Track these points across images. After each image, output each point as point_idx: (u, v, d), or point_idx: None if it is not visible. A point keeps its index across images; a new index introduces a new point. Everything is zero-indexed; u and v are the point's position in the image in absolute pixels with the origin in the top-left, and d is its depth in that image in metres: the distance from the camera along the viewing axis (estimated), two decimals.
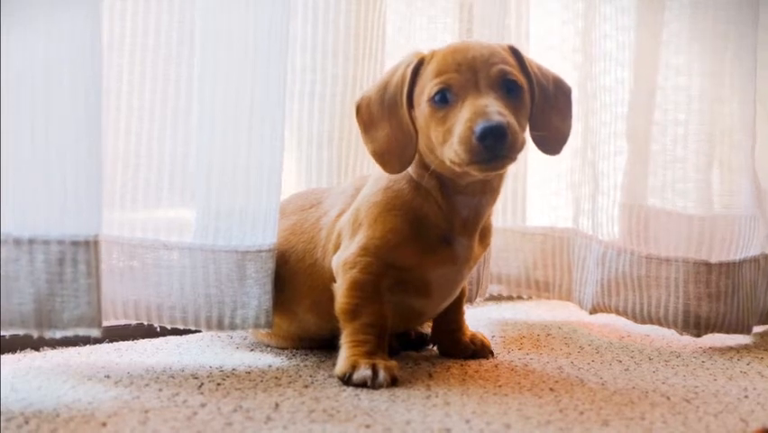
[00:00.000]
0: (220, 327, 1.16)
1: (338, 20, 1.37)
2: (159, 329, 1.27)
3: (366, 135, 1.13)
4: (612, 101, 1.47)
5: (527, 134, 1.10)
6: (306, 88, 1.38)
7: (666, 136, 1.44)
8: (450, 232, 1.12)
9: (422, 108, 1.08)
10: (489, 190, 1.13)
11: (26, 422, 0.88)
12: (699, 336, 1.40)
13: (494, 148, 1.00)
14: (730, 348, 1.37)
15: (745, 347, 1.39)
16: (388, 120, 1.11)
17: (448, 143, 1.03)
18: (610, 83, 1.47)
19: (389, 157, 1.11)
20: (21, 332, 1.00)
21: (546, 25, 1.64)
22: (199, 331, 1.31)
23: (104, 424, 0.88)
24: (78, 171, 1.00)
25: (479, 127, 0.99)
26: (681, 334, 1.41)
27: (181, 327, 1.17)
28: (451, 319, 1.25)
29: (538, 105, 1.11)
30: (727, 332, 1.40)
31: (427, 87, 1.07)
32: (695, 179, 1.43)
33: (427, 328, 1.32)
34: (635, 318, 1.44)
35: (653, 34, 1.44)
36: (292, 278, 1.19)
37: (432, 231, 1.11)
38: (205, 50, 1.15)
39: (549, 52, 1.64)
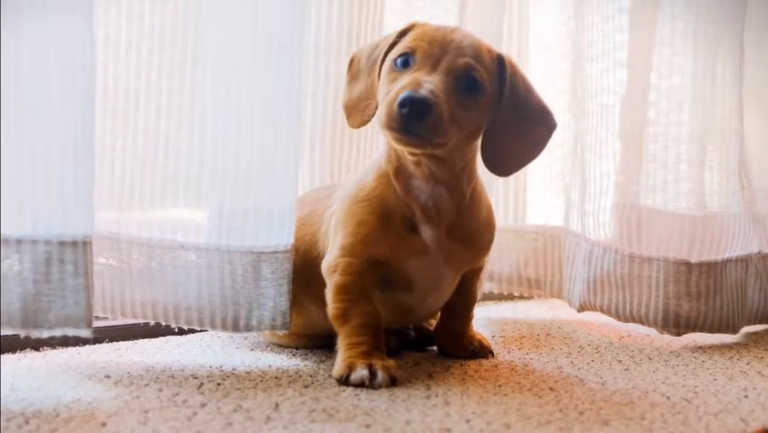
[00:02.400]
0: (236, 328, 1.16)
1: (331, 18, 1.37)
2: (159, 329, 1.27)
3: (347, 87, 1.16)
4: (604, 102, 1.47)
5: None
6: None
7: (653, 136, 1.45)
8: (413, 218, 1.11)
9: (385, 66, 1.09)
10: (440, 182, 1.11)
11: (26, 422, 0.88)
12: (678, 335, 1.41)
13: (408, 120, 1.00)
14: (730, 348, 1.37)
15: (745, 347, 1.39)
16: (367, 76, 1.13)
17: (383, 104, 1.05)
18: (603, 84, 1.47)
19: (354, 111, 1.14)
20: (7, 332, 1.00)
21: (546, 25, 1.64)
22: (205, 331, 1.31)
23: (104, 424, 0.88)
24: (66, 172, 0.99)
25: (402, 95, 1.00)
26: (662, 333, 1.42)
27: (198, 328, 1.18)
28: (456, 324, 1.24)
29: (501, 122, 1.10)
30: (710, 331, 1.41)
31: (397, 48, 1.09)
32: (678, 179, 1.44)
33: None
34: (618, 317, 1.45)
35: (646, 35, 1.45)
36: (301, 268, 1.19)
37: (396, 217, 1.11)
38: (220, 48, 1.15)
39: (548, 53, 1.64)
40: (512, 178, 1.62)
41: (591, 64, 1.48)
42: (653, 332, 1.47)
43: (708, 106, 1.43)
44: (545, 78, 1.64)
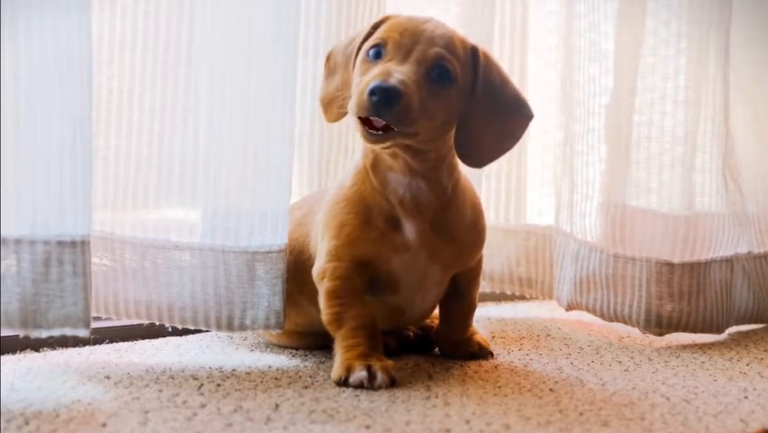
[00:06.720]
0: (230, 327, 1.16)
1: (319, 19, 1.37)
2: (159, 330, 1.27)
3: (324, 82, 1.17)
4: (594, 104, 1.47)
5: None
6: None
7: (639, 137, 1.45)
8: (394, 213, 1.11)
9: (359, 58, 1.09)
10: (418, 174, 1.11)
11: (26, 423, 0.88)
12: (661, 334, 1.42)
13: (378, 108, 1.00)
14: (730, 349, 1.37)
15: (745, 348, 1.39)
16: (343, 70, 1.13)
17: (354, 94, 1.05)
18: (594, 87, 1.47)
19: (330, 105, 1.14)
20: (6, 332, 1.01)
21: (545, 26, 1.65)
22: (201, 331, 1.31)
23: (104, 424, 0.88)
24: (65, 172, 1.00)
25: (372, 83, 1.00)
26: (644, 333, 1.42)
27: (192, 328, 1.18)
28: (455, 330, 1.24)
29: (475, 112, 1.10)
30: (693, 331, 1.42)
31: (370, 40, 1.09)
32: (663, 180, 1.45)
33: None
34: (602, 316, 1.45)
35: (633, 38, 1.45)
36: (294, 269, 1.19)
37: (376, 214, 1.11)
38: (214, 49, 1.15)
39: (547, 53, 1.64)
40: (506, 176, 1.62)
41: (583, 67, 1.48)
42: None
43: (694, 108, 1.44)
44: (544, 77, 1.64)
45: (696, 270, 1.42)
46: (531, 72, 1.63)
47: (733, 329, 1.51)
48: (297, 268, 1.19)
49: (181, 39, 1.17)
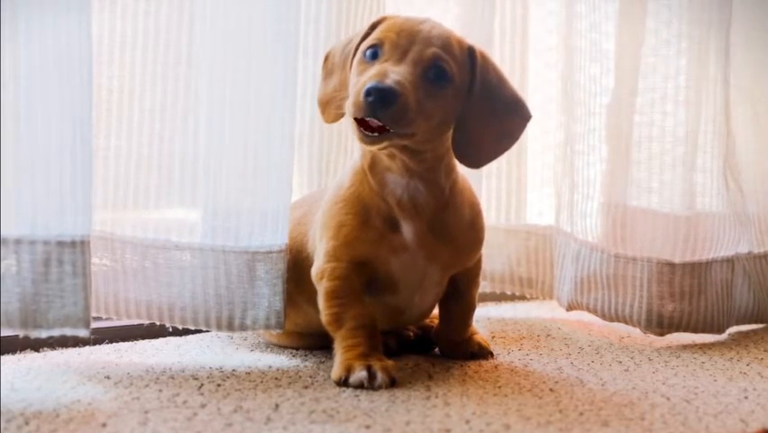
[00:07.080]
0: (230, 327, 1.17)
1: (319, 19, 1.37)
2: (159, 330, 1.27)
3: (322, 83, 1.16)
4: (595, 104, 1.47)
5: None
6: None
7: (640, 137, 1.46)
8: (392, 214, 1.11)
9: (356, 59, 1.09)
10: (416, 175, 1.11)
11: (26, 423, 0.88)
12: (662, 334, 1.42)
13: (374, 109, 0.99)
14: (730, 349, 1.37)
15: (745, 348, 1.39)
16: (340, 70, 1.13)
17: (350, 95, 1.05)
18: (595, 87, 1.47)
19: (328, 106, 1.14)
20: (6, 332, 1.01)
21: (545, 26, 1.65)
22: (201, 331, 1.31)
23: (104, 424, 0.88)
24: (65, 172, 1.00)
25: (368, 84, 1.00)
26: (645, 333, 1.42)
27: (192, 328, 1.18)
28: (454, 330, 1.24)
29: (472, 112, 1.09)
30: (694, 331, 1.42)
31: (367, 40, 1.08)
32: (664, 180, 1.45)
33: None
34: (603, 316, 1.46)
35: (634, 37, 1.46)
36: (293, 268, 1.19)
37: (374, 214, 1.11)
38: (214, 49, 1.15)
39: (547, 54, 1.64)
40: (507, 176, 1.62)
41: (584, 67, 1.48)
42: None
43: (695, 108, 1.44)
44: (544, 78, 1.64)
45: (697, 270, 1.42)
46: (531, 72, 1.63)
47: (733, 329, 1.52)
48: (295, 267, 1.19)
49: (181, 39, 1.18)
